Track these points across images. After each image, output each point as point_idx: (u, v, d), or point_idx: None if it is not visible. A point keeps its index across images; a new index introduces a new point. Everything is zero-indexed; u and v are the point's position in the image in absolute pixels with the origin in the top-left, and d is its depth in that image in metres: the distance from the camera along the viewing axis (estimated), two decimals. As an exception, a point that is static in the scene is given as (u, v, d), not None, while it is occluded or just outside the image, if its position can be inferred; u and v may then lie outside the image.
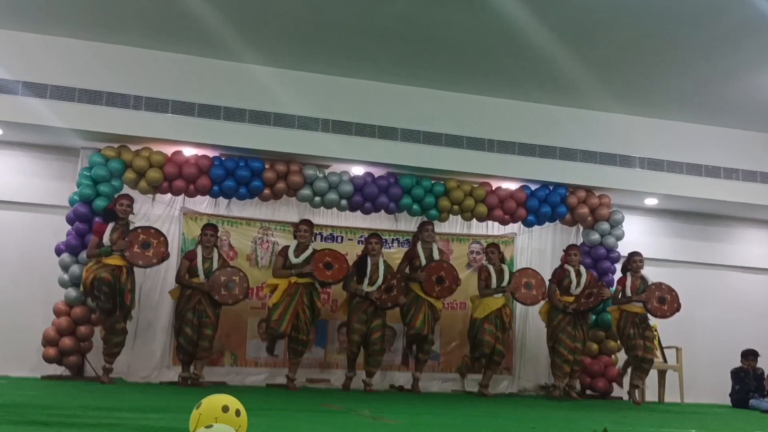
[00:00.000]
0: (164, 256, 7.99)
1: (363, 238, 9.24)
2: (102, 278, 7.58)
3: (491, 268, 8.88)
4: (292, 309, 8.18)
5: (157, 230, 8.10)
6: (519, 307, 9.70)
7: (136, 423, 3.54)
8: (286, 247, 8.53)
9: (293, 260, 8.34)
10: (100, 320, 7.95)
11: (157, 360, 8.82)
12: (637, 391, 8.91)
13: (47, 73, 8.36)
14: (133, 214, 8.19)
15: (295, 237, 8.60)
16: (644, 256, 9.43)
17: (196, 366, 8.15)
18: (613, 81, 9.13)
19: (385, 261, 8.72)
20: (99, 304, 7.75)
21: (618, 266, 9.80)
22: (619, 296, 8.94)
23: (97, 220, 8.18)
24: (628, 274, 9.03)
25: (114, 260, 7.73)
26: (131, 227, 8.01)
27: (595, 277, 9.34)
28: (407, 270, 8.78)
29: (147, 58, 8.71)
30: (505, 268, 8.98)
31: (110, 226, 7.88)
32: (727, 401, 10.06)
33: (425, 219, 9.35)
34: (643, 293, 8.80)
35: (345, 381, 8.56)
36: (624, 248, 9.96)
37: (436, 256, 8.84)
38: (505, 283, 8.79)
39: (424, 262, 8.73)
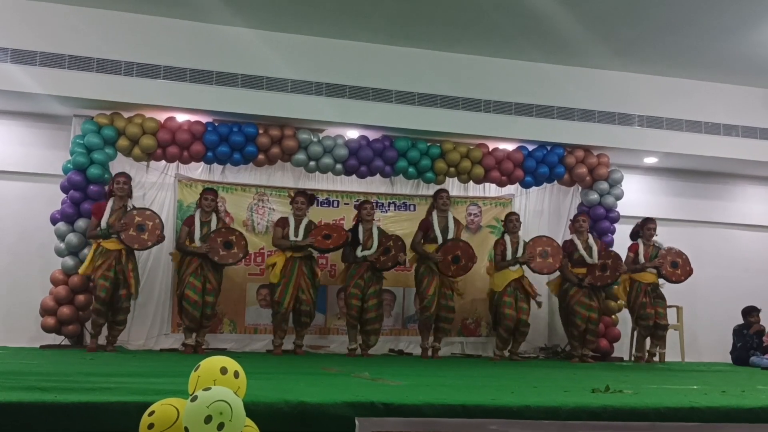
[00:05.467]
0: (159, 239, 7.96)
1: (358, 203, 9.10)
2: (101, 286, 7.69)
3: (508, 240, 8.77)
4: (293, 284, 8.14)
5: (152, 212, 8.07)
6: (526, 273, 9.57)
7: (136, 387, 3.50)
8: (283, 219, 8.45)
9: (292, 238, 8.26)
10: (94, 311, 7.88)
11: (156, 327, 8.81)
12: (654, 355, 9.00)
13: (36, 40, 8.21)
14: (131, 197, 8.09)
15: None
16: (644, 215, 9.42)
17: (199, 334, 8.13)
18: (611, 38, 8.98)
19: (378, 227, 8.67)
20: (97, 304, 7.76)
21: (618, 226, 9.76)
22: (632, 264, 8.94)
23: (93, 194, 8.24)
24: (640, 241, 9.02)
25: (112, 244, 7.79)
26: (128, 207, 7.98)
27: (606, 245, 9.27)
28: (421, 240, 8.59)
29: (137, 24, 8.56)
30: (521, 238, 8.88)
31: (108, 206, 7.89)
32: (728, 359, 10.07)
33: (439, 187, 9.12)
34: (656, 259, 8.82)
35: (348, 353, 8.45)
36: (623, 208, 9.92)
37: (451, 226, 8.63)
38: (519, 254, 8.71)
39: (439, 233, 8.52)
